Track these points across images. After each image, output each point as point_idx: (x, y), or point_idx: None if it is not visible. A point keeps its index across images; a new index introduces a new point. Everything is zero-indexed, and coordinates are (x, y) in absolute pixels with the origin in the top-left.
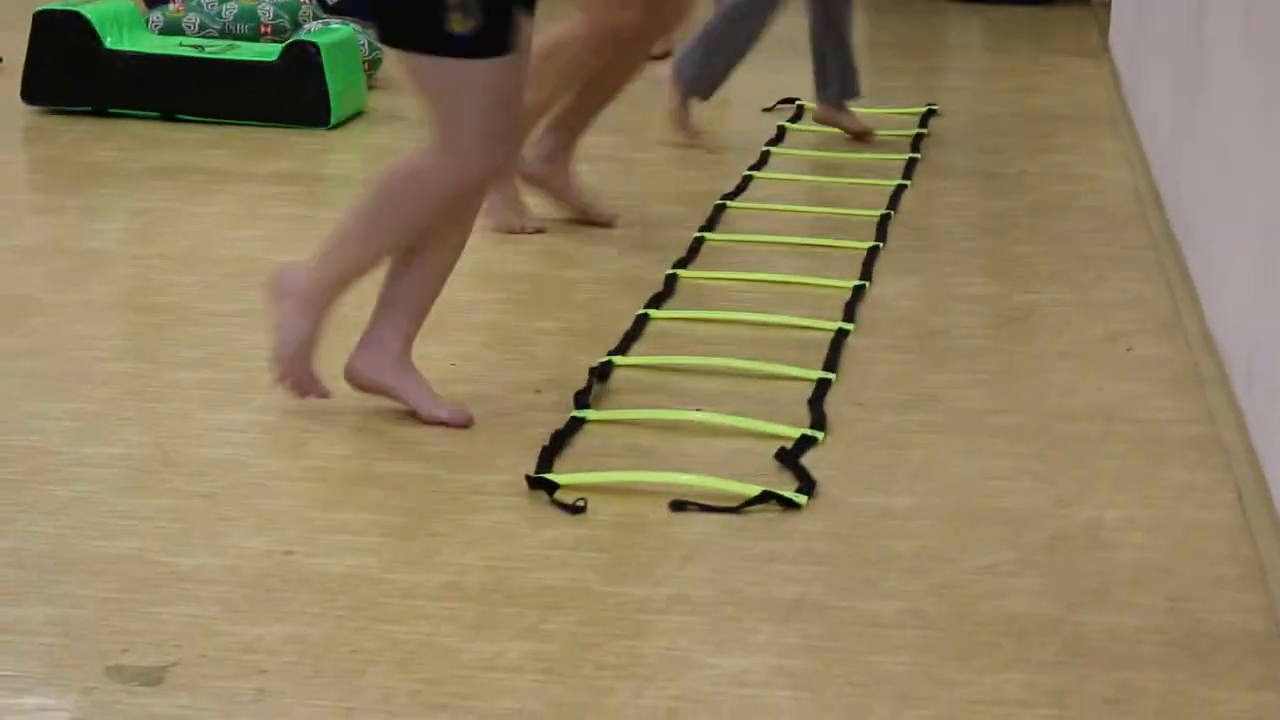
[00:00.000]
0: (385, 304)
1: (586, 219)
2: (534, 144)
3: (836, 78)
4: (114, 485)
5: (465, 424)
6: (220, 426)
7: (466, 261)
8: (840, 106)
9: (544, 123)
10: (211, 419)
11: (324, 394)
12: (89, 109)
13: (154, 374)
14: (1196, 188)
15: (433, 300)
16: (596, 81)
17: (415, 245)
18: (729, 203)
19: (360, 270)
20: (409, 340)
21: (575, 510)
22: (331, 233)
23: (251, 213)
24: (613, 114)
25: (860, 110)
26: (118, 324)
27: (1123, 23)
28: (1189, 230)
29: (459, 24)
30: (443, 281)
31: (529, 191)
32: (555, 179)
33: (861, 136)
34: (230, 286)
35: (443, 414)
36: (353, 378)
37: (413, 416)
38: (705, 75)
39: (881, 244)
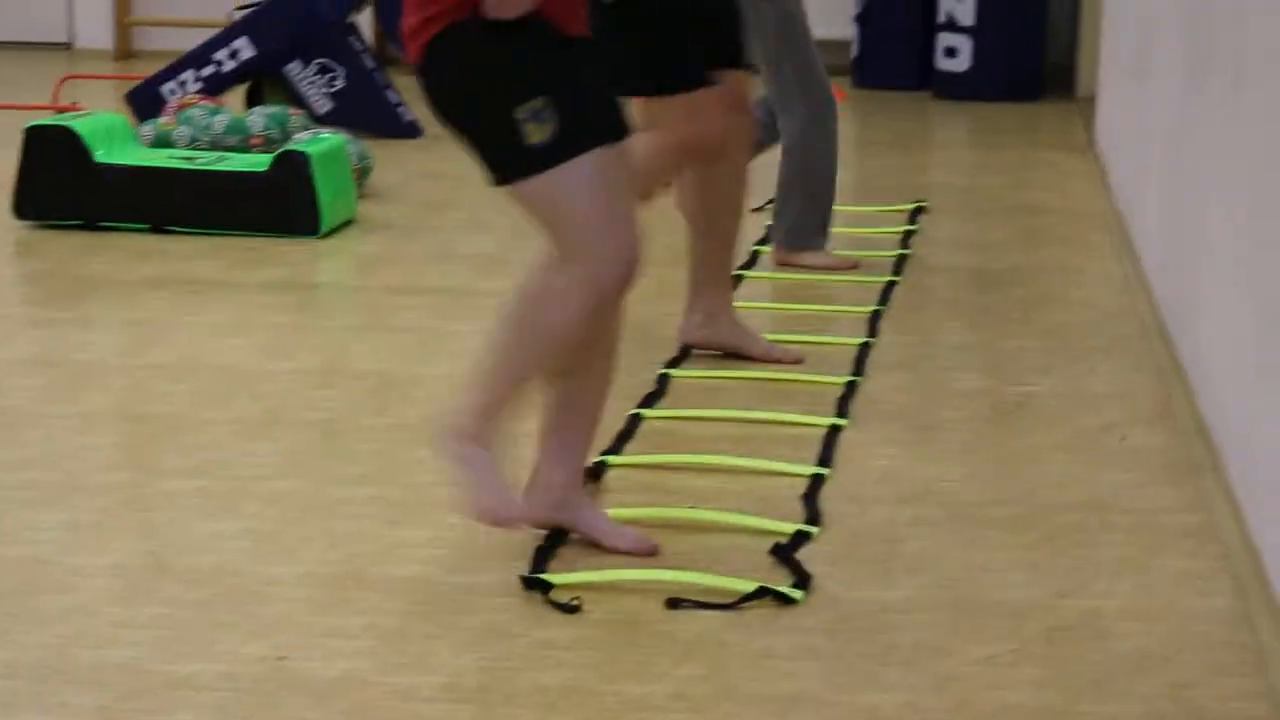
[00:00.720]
0: (544, 442)
1: (773, 361)
2: (687, 312)
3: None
4: (109, 594)
5: (651, 552)
6: (214, 534)
7: (461, 356)
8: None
9: (690, 291)
10: (205, 527)
11: (533, 517)
12: (80, 223)
13: (147, 483)
14: (1187, 277)
15: (592, 432)
16: (709, 223)
17: (562, 380)
18: None
19: (518, 398)
20: (577, 475)
21: (570, 609)
22: (478, 370)
23: (243, 321)
24: None
25: (851, 207)
26: (111, 434)
27: (1107, 117)
28: (1180, 320)
29: (537, 134)
30: (598, 414)
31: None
32: (724, 336)
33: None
34: (222, 395)
35: (624, 543)
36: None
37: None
38: (806, 223)
39: (873, 339)
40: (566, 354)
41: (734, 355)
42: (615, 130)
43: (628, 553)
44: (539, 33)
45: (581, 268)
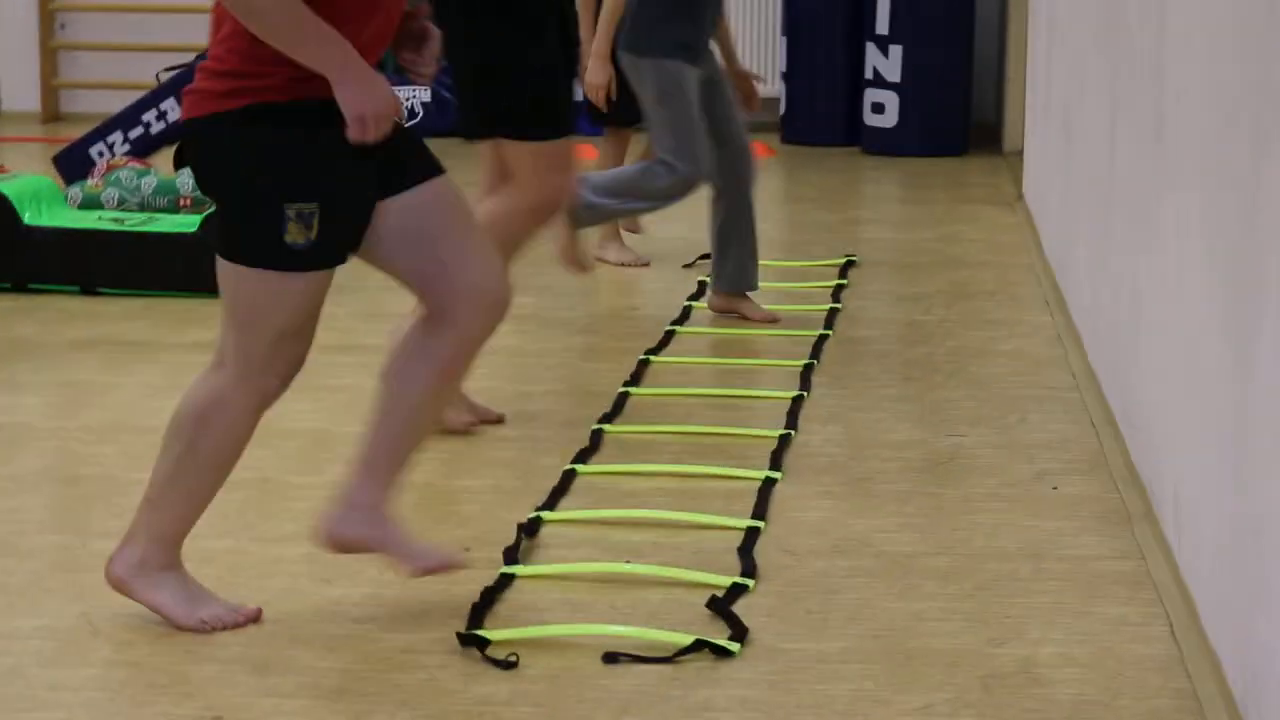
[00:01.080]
0: (356, 465)
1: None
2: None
3: (734, 268)
4: (41, 657)
5: (460, 565)
6: None
7: None
8: (737, 296)
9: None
10: None
11: (253, 616)
12: (9, 285)
13: (80, 545)
14: (1116, 327)
15: (403, 459)
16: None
17: (384, 400)
18: (653, 357)
19: (194, 516)
20: (382, 499)
21: (507, 665)
22: (149, 489)
23: (173, 383)
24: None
25: (781, 262)
26: (43, 496)
27: (1035, 170)
28: (1110, 370)
29: (298, 235)
30: (416, 430)
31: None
32: None
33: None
34: (153, 456)
35: (431, 562)
36: (332, 541)
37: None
38: (594, 208)
39: (806, 393)
40: (235, 461)
41: None
42: (354, 247)
43: (436, 570)
44: (344, 134)
45: (248, 372)
